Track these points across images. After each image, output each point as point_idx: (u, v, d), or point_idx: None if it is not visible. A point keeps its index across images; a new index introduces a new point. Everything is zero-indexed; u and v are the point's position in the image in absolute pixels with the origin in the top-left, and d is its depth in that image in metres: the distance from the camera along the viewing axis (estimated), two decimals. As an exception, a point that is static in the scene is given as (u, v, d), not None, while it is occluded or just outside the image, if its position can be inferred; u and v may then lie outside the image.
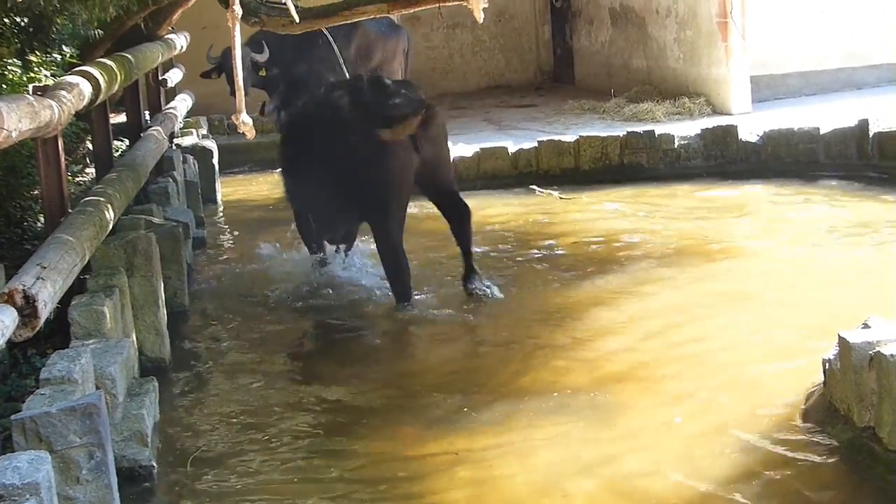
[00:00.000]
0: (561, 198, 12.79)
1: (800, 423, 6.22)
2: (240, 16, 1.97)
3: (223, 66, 13.26)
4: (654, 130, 13.78)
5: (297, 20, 9.53)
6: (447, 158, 9.66)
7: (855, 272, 9.14)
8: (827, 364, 6.06)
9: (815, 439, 6.00)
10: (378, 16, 10.77)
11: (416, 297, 9.08)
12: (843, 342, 5.77)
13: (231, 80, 13.40)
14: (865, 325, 5.92)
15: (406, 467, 6.15)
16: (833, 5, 16.91)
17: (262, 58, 13.13)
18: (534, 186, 13.21)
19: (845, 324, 6.21)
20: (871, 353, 5.53)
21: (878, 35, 17.98)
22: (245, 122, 1.99)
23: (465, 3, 1.96)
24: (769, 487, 5.61)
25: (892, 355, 5.33)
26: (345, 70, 14.07)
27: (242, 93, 2.03)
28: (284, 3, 9.91)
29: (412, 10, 10.79)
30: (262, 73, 13.42)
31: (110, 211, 7.52)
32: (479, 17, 1.90)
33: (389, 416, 6.92)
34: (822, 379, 6.19)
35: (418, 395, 7.20)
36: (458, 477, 6.00)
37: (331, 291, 9.61)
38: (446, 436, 6.51)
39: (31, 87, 7.18)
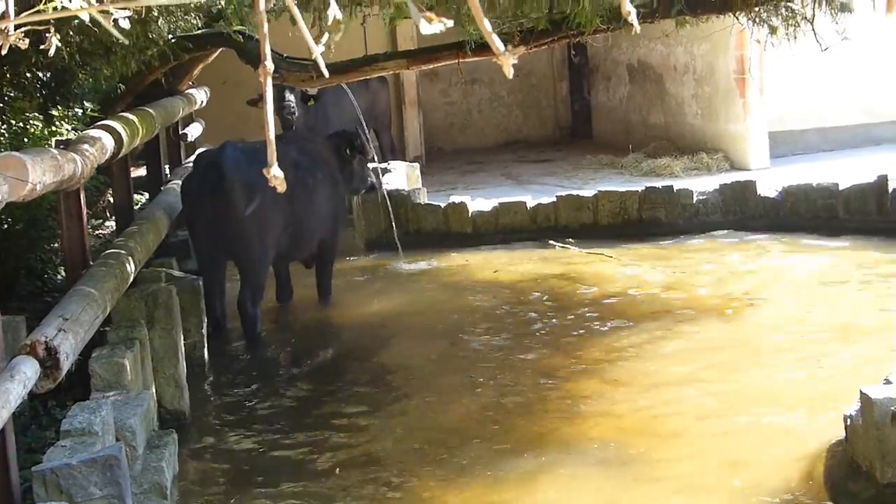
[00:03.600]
0: (580, 251, 12.77)
1: (822, 480, 6.18)
2: (272, 70, 2.01)
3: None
4: (672, 186, 13.77)
5: (326, 75, 9.60)
6: None
7: (877, 327, 9.10)
8: (849, 420, 6.03)
9: (836, 496, 5.96)
10: (397, 71, 10.88)
11: (437, 346, 9.12)
12: (864, 398, 5.74)
13: (279, 114, 13.83)
14: (887, 381, 5.89)
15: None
16: (851, 62, 16.93)
17: (313, 90, 13.50)
18: (552, 242, 13.20)
19: (867, 380, 6.19)
20: (893, 408, 5.51)
21: (896, 91, 18.03)
22: (276, 176, 2.02)
23: (494, 59, 1.98)
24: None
25: (914, 412, 5.31)
26: (361, 117, 14.39)
27: (274, 146, 2.06)
28: (304, 60, 10.00)
29: (431, 66, 10.89)
30: (311, 102, 14.40)
31: (131, 263, 7.56)
32: (509, 72, 1.92)
33: (411, 466, 6.90)
34: (844, 435, 6.16)
35: (441, 445, 7.19)
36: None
37: (348, 338, 9.64)
38: (471, 486, 6.50)
39: (54, 140, 7.23)
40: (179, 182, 11.26)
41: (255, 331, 9.91)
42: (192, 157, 13.54)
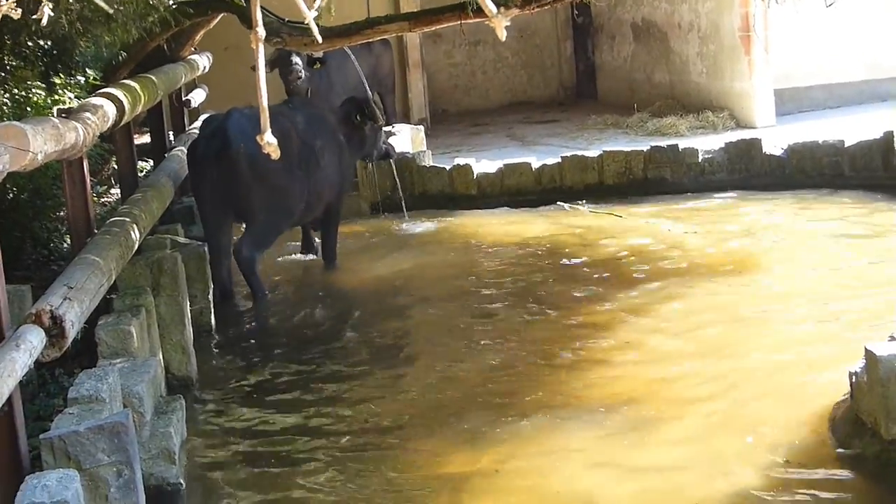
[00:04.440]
0: (591, 211, 12.77)
1: (827, 436, 6.20)
2: (263, 37, 1.99)
3: (275, 62, 13.83)
4: (677, 145, 13.75)
5: (320, 40, 9.57)
6: None
7: (882, 284, 9.10)
8: (854, 377, 6.04)
9: (842, 452, 5.98)
10: (399, 34, 10.84)
11: (443, 309, 9.13)
12: (869, 355, 5.75)
13: (285, 78, 13.87)
14: (892, 338, 5.90)
15: (434, 483, 6.16)
16: (856, 18, 16.84)
17: (319, 53, 13.49)
18: (561, 203, 13.19)
19: (873, 337, 6.19)
20: (898, 365, 5.52)
21: (902, 47, 17.94)
22: (270, 143, 2.01)
23: (487, 21, 1.98)
24: (797, 499, 5.60)
25: (919, 368, 5.32)
26: (364, 81, 14.44)
27: (267, 114, 2.05)
28: (305, 23, 9.97)
29: (434, 28, 10.85)
30: (317, 66, 14.26)
31: (136, 231, 7.57)
32: (502, 34, 1.92)
33: (416, 432, 6.92)
34: (849, 392, 6.17)
35: (444, 411, 7.20)
36: (495, 488, 6.02)
37: (353, 302, 9.67)
38: (474, 450, 6.52)
39: (55, 109, 7.23)
40: (184, 149, 11.27)
41: (253, 275, 10.00)
42: (198, 123, 13.55)
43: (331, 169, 10.61)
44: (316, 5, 2.07)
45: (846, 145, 12.91)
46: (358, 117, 11.14)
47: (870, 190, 12.32)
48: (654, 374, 7.57)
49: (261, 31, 1.96)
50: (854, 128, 14.17)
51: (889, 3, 17.29)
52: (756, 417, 6.64)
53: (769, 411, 6.70)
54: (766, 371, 7.41)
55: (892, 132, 12.57)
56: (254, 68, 2.02)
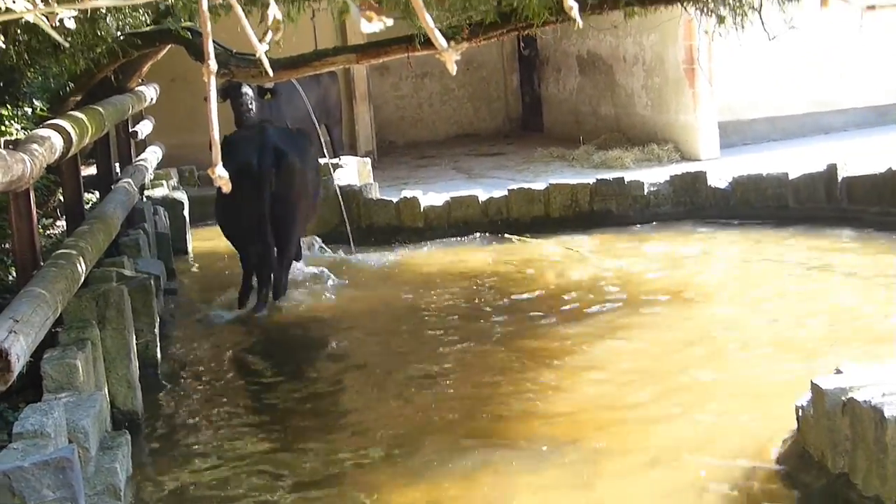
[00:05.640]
0: (525, 239, 12.82)
1: (774, 470, 6.22)
2: (215, 69, 2.00)
3: (227, 92, 13.75)
4: (623, 177, 13.83)
5: (270, 73, 9.58)
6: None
7: (827, 315, 9.18)
8: (800, 410, 6.06)
9: (789, 486, 6.01)
10: (346, 65, 10.86)
11: (391, 341, 9.11)
12: (815, 388, 5.78)
13: (237, 109, 13.92)
14: (838, 371, 5.93)
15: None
16: (799, 51, 17.04)
17: (270, 84, 13.54)
18: (508, 235, 13.23)
19: (818, 369, 6.23)
20: (844, 399, 5.54)
21: (844, 80, 18.16)
22: (221, 176, 2.01)
23: (436, 55, 1.98)
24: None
25: (865, 401, 5.34)
26: (311, 112, 14.50)
27: (219, 146, 2.05)
28: (253, 55, 9.97)
29: (381, 60, 10.87)
30: (268, 97, 14.52)
31: (82, 264, 7.50)
32: (453, 68, 1.92)
33: (365, 466, 6.89)
34: (796, 426, 6.20)
35: (394, 445, 7.17)
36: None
37: (301, 334, 9.64)
38: (422, 483, 6.49)
39: (2, 140, 7.17)
40: (130, 181, 11.22)
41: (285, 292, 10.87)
42: (146, 153, 13.50)
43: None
44: (268, 39, 2.07)
45: (790, 177, 13.01)
46: None
47: (814, 221, 12.42)
48: (601, 406, 7.57)
49: (213, 64, 1.95)
50: (797, 160, 14.31)
51: (831, 37, 17.45)
52: (705, 450, 6.66)
53: (718, 444, 6.72)
54: (714, 403, 7.44)
55: (835, 165, 12.69)
56: (206, 99, 2.02)
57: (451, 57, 1.98)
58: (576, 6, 2.12)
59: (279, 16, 2.04)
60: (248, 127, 12.91)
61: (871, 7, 17.55)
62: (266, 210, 10.43)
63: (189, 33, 10.34)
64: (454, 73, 2.07)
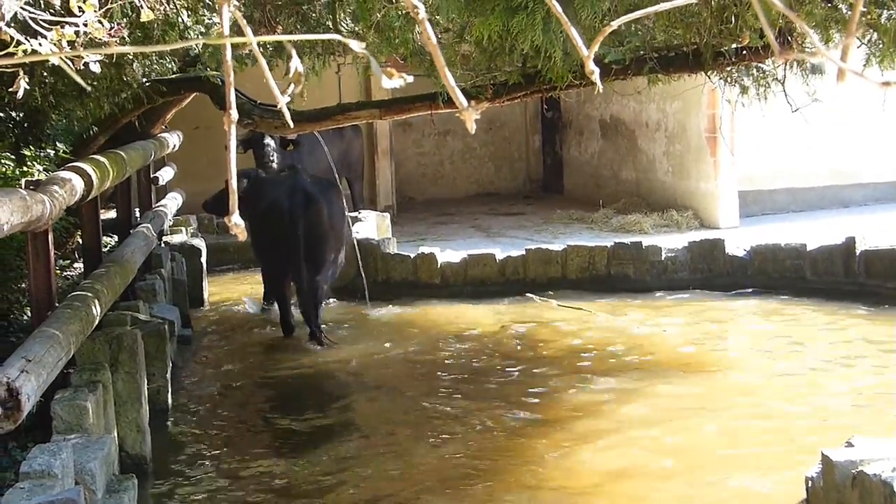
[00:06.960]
0: (560, 305, 12.79)
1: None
2: (236, 119, 2.02)
3: (250, 143, 14.02)
4: (641, 242, 13.82)
5: (292, 124, 9.64)
6: None
7: (840, 389, 9.14)
8: (810, 482, 6.04)
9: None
10: (370, 120, 10.93)
11: (402, 398, 9.09)
12: (826, 460, 5.76)
13: (259, 159, 14.04)
14: (849, 444, 5.91)
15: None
16: (821, 123, 17.04)
17: (293, 135, 13.68)
18: (530, 295, 13.22)
19: (829, 441, 6.20)
20: (854, 472, 5.52)
21: (866, 154, 18.20)
22: (237, 224, 2.02)
23: (457, 113, 2.00)
24: None
25: (875, 475, 5.32)
26: (333, 165, 14.58)
27: (236, 195, 2.07)
28: (278, 107, 10.02)
29: (404, 117, 10.92)
30: (290, 147, 14.60)
31: (97, 306, 7.52)
32: (471, 127, 1.94)
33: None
34: (805, 497, 6.17)
35: (399, 501, 7.15)
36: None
37: (313, 387, 9.63)
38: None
39: (23, 181, 7.21)
40: (149, 225, 11.27)
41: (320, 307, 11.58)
42: (166, 199, 13.55)
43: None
44: (290, 90, 2.09)
45: (808, 249, 12.99)
46: None
47: (830, 295, 12.39)
48: (603, 471, 7.54)
49: (234, 113, 1.97)
50: (816, 232, 14.29)
51: (854, 111, 17.49)
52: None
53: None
54: (724, 471, 7.40)
55: (854, 238, 12.67)
56: (226, 148, 2.04)
57: (470, 116, 1.99)
58: (597, 71, 2.14)
59: (301, 68, 2.06)
60: (279, 171, 13.24)
61: (886, 83, 17.53)
62: (294, 245, 11.11)
63: (218, 81, 10.43)
64: (473, 131, 2.09)
